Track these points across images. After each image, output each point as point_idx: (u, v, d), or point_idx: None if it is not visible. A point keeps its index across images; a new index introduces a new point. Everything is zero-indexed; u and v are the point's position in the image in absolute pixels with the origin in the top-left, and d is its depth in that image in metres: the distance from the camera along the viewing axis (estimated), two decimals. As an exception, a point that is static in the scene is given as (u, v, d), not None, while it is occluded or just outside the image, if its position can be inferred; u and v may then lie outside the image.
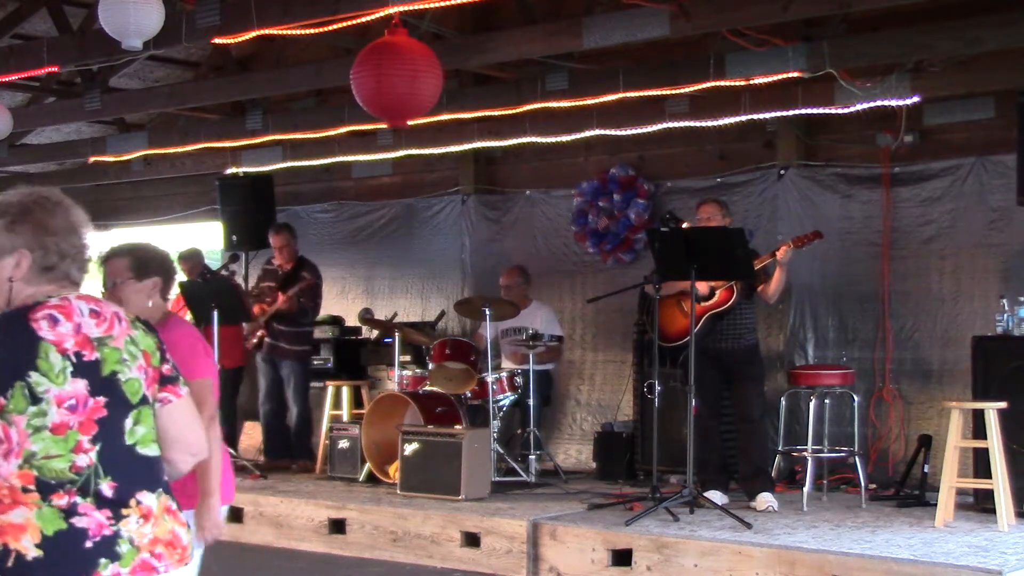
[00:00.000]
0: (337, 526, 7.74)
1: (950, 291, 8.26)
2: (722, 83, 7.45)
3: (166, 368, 2.80)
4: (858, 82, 7.45)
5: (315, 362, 10.23)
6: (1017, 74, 7.30)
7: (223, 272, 9.88)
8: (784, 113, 8.14)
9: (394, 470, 8.22)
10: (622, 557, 6.53)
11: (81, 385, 2.60)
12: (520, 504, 7.55)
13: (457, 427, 8.05)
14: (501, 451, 8.43)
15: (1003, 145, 7.78)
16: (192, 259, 9.94)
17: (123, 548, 2.58)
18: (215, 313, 8.62)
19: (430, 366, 8.62)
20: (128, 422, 2.67)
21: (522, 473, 8.36)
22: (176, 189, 12.48)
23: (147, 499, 2.64)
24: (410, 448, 7.97)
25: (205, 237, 12.37)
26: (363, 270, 11.24)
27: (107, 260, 3.99)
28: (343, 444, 8.82)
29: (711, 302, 7.39)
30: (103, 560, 2.54)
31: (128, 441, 2.66)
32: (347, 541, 7.66)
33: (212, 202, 11.51)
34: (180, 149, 10.47)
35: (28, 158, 11.71)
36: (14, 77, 8.12)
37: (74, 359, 2.60)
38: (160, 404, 2.77)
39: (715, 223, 7.38)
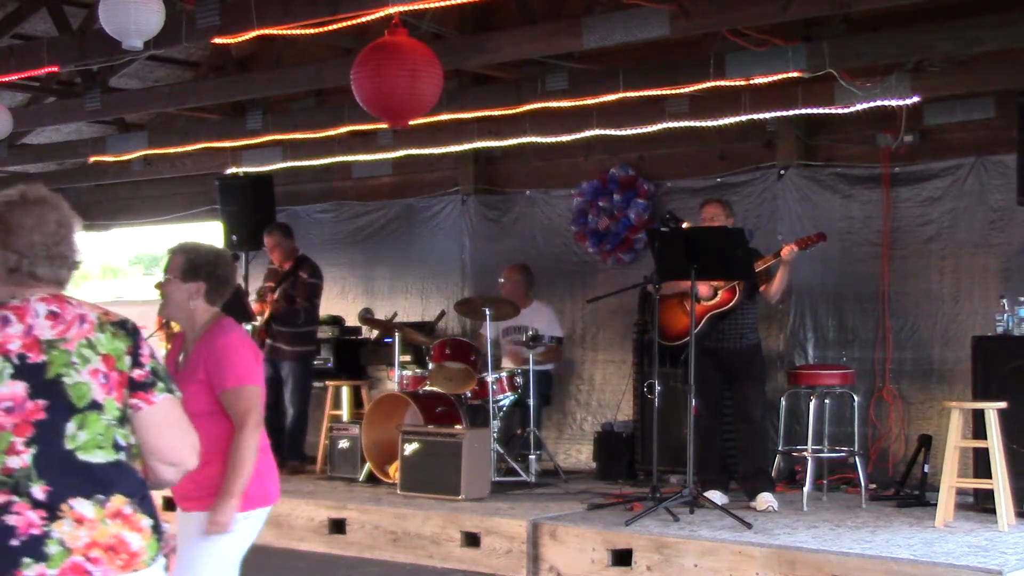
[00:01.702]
0: (337, 526, 7.74)
1: (950, 291, 8.26)
2: (722, 83, 7.45)
3: (137, 373, 2.73)
4: (858, 82, 7.45)
5: (315, 362, 10.23)
6: (1017, 74, 7.29)
7: None
8: (784, 113, 8.14)
9: (394, 470, 8.22)
10: (622, 557, 6.53)
11: (20, 387, 2.59)
12: (520, 504, 7.55)
13: (457, 427, 8.05)
14: (501, 451, 8.42)
15: (1003, 145, 7.78)
16: None
17: (52, 549, 2.55)
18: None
19: (430, 366, 8.62)
20: (69, 426, 2.62)
21: (522, 473, 8.36)
22: (176, 189, 12.48)
23: (81, 505, 2.59)
24: (410, 448, 7.97)
25: (205, 237, 12.37)
26: (363, 270, 11.23)
27: (170, 253, 4.07)
28: (343, 444, 8.82)
29: (713, 302, 7.39)
30: (27, 559, 2.53)
31: (67, 446, 2.62)
32: (347, 541, 7.66)
33: (212, 202, 11.51)
34: (180, 149, 10.47)
35: (28, 158, 11.71)
36: (14, 77, 8.11)
37: (16, 361, 2.60)
38: (131, 411, 2.73)
39: (718, 223, 7.38)
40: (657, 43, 7.33)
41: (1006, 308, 7.25)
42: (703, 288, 7.37)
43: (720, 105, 8.17)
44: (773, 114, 8.23)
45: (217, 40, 7.04)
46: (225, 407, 3.94)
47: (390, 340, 9.31)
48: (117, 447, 2.68)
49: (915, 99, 7.59)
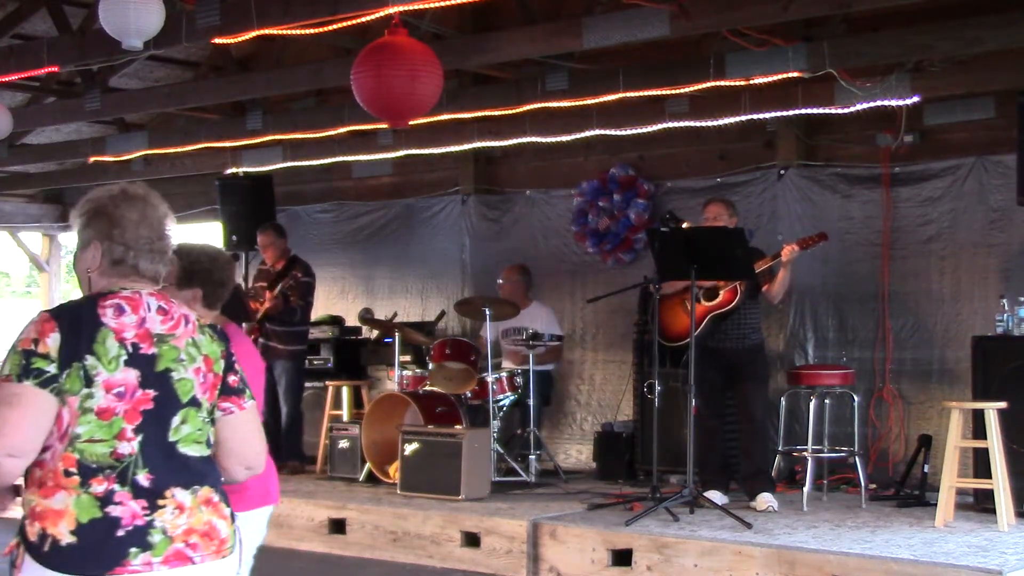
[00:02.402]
0: (337, 526, 7.74)
1: (950, 291, 8.26)
2: (722, 83, 7.45)
3: (232, 379, 2.86)
4: (858, 82, 7.44)
5: (315, 362, 10.24)
6: (1017, 74, 7.29)
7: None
8: (784, 113, 8.14)
9: (394, 470, 8.22)
10: (622, 557, 6.54)
11: (132, 375, 2.67)
12: (520, 504, 7.55)
13: (457, 427, 8.05)
14: (501, 451, 8.43)
15: (1003, 145, 7.78)
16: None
17: (156, 538, 2.64)
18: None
19: (430, 366, 8.62)
20: (175, 419, 2.72)
21: (522, 473, 8.36)
22: (176, 189, 12.45)
23: (180, 494, 2.69)
24: (410, 448, 7.97)
25: (205, 237, 12.38)
26: (363, 270, 11.24)
27: None
28: (343, 444, 8.82)
29: (714, 302, 7.39)
30: (134, 549, 2.61)
31: (171, 437, 2.72)
32: (347, 541, 7.66)
33: (212, 202, 11.51)
34: (180, 149, 10.46)
35: (28, 158, 11.70)
36: (14, 77, 8.11)
37: (130, 349, 2.68)
38: (221, 413, 2.83)
39: (721, 223, 7.37)
40: (657, 43, 7.33)
41: (1006, 308, 7.25)
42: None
43: (720, 105, 8.17)
44: (773, 114, 8.22)
45: (217, 40, 7.04)
46: None
47: (390, 340, 9.31)
48: (208, 443, 2.80)
49: (915, 99, 7.59)
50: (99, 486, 2.60)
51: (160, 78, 10.86)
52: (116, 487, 2.61)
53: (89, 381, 2.61)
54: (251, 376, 4.03)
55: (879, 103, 7.60)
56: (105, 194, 2.84)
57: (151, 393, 2.68)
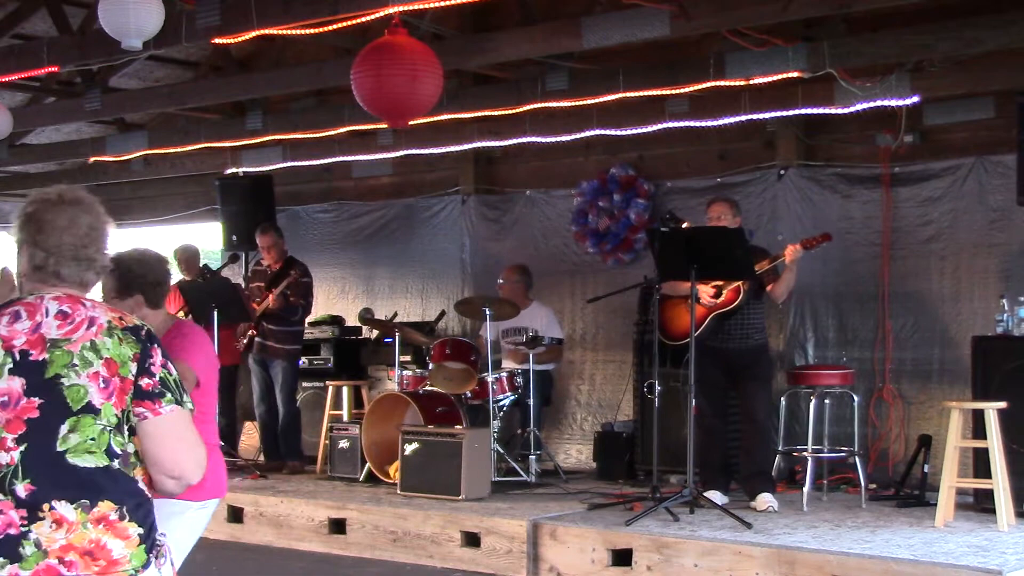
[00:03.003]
0: (337, 526, 7.74)
1: (950, 291, 8.26)
2: (722, 83, 7.45)
3: (145, 382, 2.69)
4: (858, 82, 7.44)
5: (315, 362, 10.24)
6: (1017, 74, 7.30)
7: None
8: (784, 113, 8.14)
9: (394, 470, 8.22)
10: (622, 557, 6.53)
11: (17, 383, 2.59)
12: (520, 504, 7.55)
13: (457, 427, 8.04)
14: (501, 451, 8.42)
15: (1003, 145, 7.78)
16: (187, 252, 10.00)
17: (27, 550, 2.55)
18: (215, 313, 8.65)
19: (430, 366, 8.61)
20: (63, 428, 2.60)
21: (522, 473, 8.36)
22: (176, 189, 12.49)
23: (62, 507, 2.58)
24: (410, 448, 7.97)
25: (205, 237, 12.38)
26: (363, 270, 11.24)
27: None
28: (343, 444, 8.82)
29: (718, 301, 7.38)
30: (1, 559, 2.53)
31: (58, 447, 2.60)
32: (347, 541, 7.66)
33: (212, 202, 11.51)
34: (180, 149, 10.46)
35: (28, 158, 11.70)
36: (14, 77, 8.11)
37: (17, 356, 2.60)
38: (136, 419, 2.69)
39: (725, 222, 7.36)
40: (657, 43, 7.33)
41: (1006, 308, 7.24)
42: (707, 289, 7.35)
43: (720, 105, 8.17)
44: (773, 114, 8.22)
45: (217, 40, 7.04)
46: None
47: (390, 340, 9.31)
48: (111, 454, 2.64)
49: (915, 99, 7.59)
50: None
51: (160, 78, 10.86)
52: None
53: None
54: (204, 376, 4.03)
55: (879, 103, 7.60)
56: (41, 197, 2.76)
57: (36, 401, 2.58)
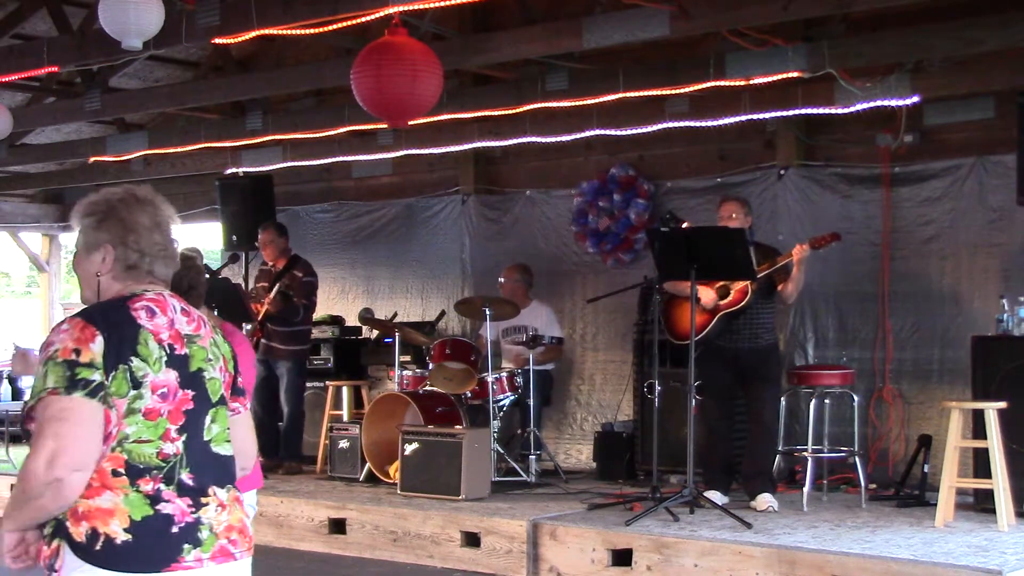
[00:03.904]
0: (337, 526, 7.75)
1: (950, 291, 8.26)
2: (722, 83, 7.45)
3: (239, 379, 2.91)
4: (858, 82, 7.44)
5: (315, 362, 10.23)
6: (1017, 74, 7.29)
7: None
8: (784, 113, 8.14)
9: (394, 470, 8.22)
10: (622, 557, 6.54)
11: (172, 376, 2.69)
12: (520, 504, 7.55)
13: (457, 427, 8.04)
14: (501, 451, 8.42)
15: (1003, 145, 7.78)
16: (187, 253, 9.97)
17: (204, 534, 2.67)
18: (215, 314, 8.63)
19: (430, 366, 8.61)
20: (207, 419, 2.76)
21: (522, 473, 8.36)
22: (176, 189, 12.47)
23: (219, 492, 2.74)
24: (410, 448, 7.97)
25: (205, 237, 12.39)
26: (363, 270, 11.24)
27: None
28: (343, 444, 8.82)
29: (725, 302, 7.37)
30: (187, 545, 2.63)
31: (205, 437, 2.75)
32: (347, 541, 7.66)
33: (212, 202, 11.51)
34: (180, 149, 10.46)
35: (28, 158, 11.70)
36: (14, 77, 8.11)
37: (168, 350, 2.70)
38: (231, 413, 2.86)
39: (737, 221, 7.35)
40: (657, 43, 7.33)
41: (1006, 308, 7.25)
42: (706, 293, 7.34)
43: (720, 105, 8.17)
44: (773, 114, 8.22)
45: (217, 40, 7.04)
46: None
47: (390, 340, 9.31)
48: (231, 442, 2.84)
49: (915, 99, 7.59)
50: (146, 485, 2.61)
51: (160, 78, 10.87)
52: (163, 486, 2.63)
53: (136, 383, 2.62)
54: (247, 376, 4.05)
55: (879, 103, 7.60)
56: (114, 197, 2.82)
57: (190, 393, 2.71)
